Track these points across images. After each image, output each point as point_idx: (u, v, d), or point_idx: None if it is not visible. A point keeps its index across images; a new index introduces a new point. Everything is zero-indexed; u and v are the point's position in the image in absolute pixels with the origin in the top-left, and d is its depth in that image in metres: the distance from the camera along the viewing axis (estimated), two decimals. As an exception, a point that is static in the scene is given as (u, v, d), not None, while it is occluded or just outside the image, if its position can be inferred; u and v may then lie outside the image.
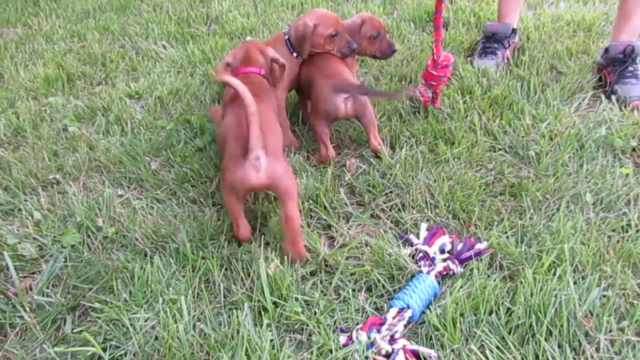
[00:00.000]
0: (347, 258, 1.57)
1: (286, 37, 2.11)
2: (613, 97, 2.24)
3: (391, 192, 1.82)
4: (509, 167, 1.92)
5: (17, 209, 1.86)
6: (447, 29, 3.06)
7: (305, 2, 3.60)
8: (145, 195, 1.90)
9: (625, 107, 2.19)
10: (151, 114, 2.40)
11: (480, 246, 1.53)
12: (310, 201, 1.77)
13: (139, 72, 2.80)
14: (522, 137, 2.07)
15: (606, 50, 2.39)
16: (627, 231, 1.60)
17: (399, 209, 1.76)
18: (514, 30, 2.66)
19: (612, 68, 2.34)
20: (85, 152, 2.11)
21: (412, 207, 1.74)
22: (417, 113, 2.27)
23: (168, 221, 1.75)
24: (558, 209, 1.70)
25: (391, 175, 1.87)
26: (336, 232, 1.69)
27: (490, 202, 1.74)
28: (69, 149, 2.16)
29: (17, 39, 3.33)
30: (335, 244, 1.66)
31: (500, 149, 2.04)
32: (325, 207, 1.75)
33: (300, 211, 1.67)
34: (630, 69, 2.29)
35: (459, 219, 1.70)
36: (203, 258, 1.58)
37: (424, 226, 1.65)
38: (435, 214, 1.71)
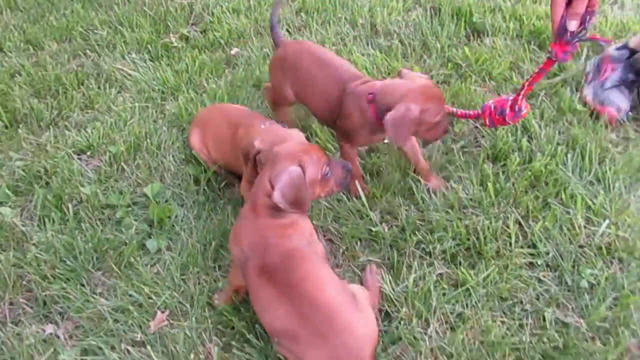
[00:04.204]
0: None
1: None
2: None
3: (393, 350, 1.38)
4: (551, 304, 1.44)
5: None
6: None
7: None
8: (78, 335, 1.50)
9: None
10: (102, 181, 1.94)
11: None
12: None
13: (96, 110, 2.29)
14: (571, 244, 1.57)
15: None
16: None
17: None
18: None
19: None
20: (12, 256, 1.68)
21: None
22: (435, 193, 1.75)
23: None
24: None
25: (396, 318, 1.42)
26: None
27: (525, 382, 1.29)
28: (-6, 248, 1.74)
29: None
30: None
31: (539, 265, 1.55)
32: None
33: None
34: None
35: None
36: None
37: None
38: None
